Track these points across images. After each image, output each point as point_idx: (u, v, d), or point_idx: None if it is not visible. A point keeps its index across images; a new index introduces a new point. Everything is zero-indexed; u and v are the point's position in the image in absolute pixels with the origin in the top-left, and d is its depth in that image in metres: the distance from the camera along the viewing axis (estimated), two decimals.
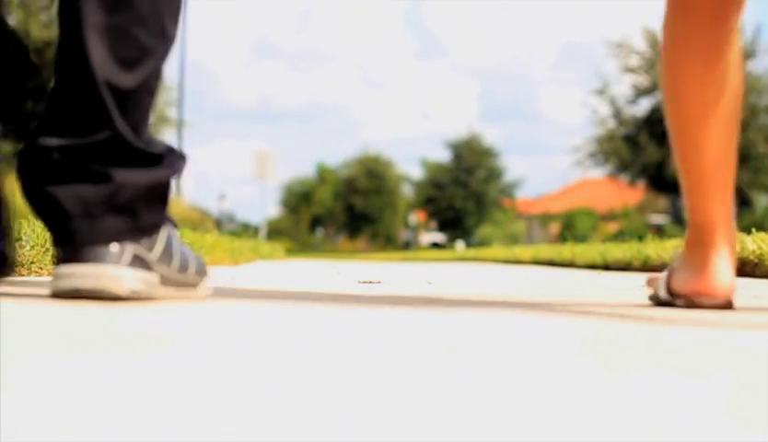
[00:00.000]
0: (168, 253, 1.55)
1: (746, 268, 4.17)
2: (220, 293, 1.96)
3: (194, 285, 1.65)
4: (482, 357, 0.94)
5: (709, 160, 1.79)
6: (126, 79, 1.48)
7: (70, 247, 1.46)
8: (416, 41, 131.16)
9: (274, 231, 41.38)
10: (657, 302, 1.87)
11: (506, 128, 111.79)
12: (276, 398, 0.67)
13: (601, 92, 32.19)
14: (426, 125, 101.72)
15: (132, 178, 1.50)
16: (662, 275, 1.88)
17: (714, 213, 1.78)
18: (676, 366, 0.90)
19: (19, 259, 2.57)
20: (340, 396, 0.68)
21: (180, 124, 27.00)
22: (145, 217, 1.51)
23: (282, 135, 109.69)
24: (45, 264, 2.68)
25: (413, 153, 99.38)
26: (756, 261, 4.12)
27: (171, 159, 1.57)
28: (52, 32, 25.66)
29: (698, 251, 1.78)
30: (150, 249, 1.51)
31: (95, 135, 1.47)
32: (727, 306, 1.74)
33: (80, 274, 1.45)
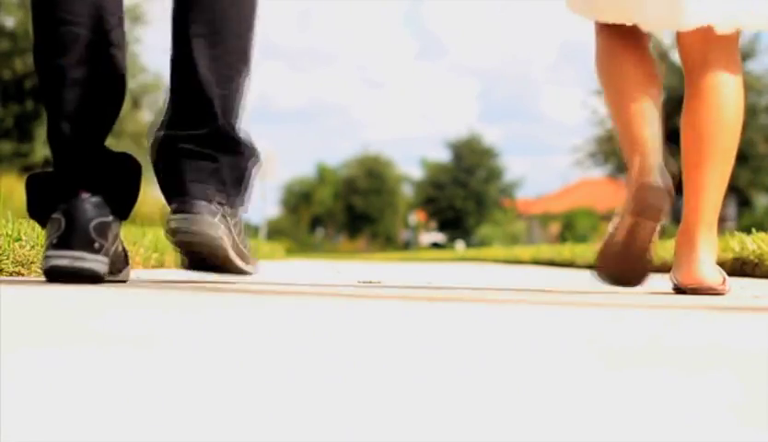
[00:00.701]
0: (238, 228, 2.16)
1: (746, 268, 4.17)
2: (220, 292, 1.96)
3: (248, 262, 2.23)
4: (483, 356, 0.94)
5: (643, 110, 2.25)
6: (223, 90, 2.11)
7: (183, 200, 2.07)
8: (416, 41, 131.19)
9: (274, 231, 41.35)
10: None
11: (505, 128, 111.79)
12: (274, 397, 0.67)
13: (601, 92, 32.16)
14: (426, 125, 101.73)
15: (227, 159, 2.12)
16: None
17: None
18: (676, 366, 0.90)
19: (19, 259, 2.57)
20: (340, 395, 0.68)
21: None
22: (231, 191, 2.13)
23: (282, 135, 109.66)
24: None
25: (413, 153, 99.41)
26: (756, 261, 4.11)
27: (253, 152, 2.20)
28: None
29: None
30: (231, 216, 2.12)
31: (202, 128, 2.10)
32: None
33: (191, 219, 2.05)
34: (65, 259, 2.00)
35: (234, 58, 2.12)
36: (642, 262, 2.22)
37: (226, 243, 2.08)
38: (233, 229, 2.11)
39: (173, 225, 2.05)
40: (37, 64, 2.14)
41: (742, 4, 2.15)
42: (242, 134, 2.16)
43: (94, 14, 2.10)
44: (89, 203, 2.04)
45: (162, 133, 2.13)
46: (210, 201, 2.06)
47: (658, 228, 2.20)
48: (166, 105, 2.18)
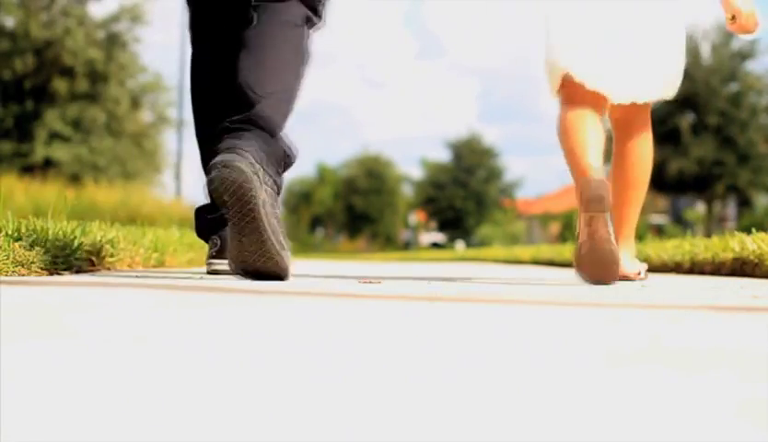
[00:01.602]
0: (276, 212, 2.61)
1: (746, 268, 4.17)
2: (220, 292, 1.96)
3: (286, 249, 2.63)
4: (483, 356, 0.94)
5: (585, 150, 2.94)
6: (260, 96, 2.66)
7: (224, 154, 2.51)
8: (416, 41, 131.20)
9: None
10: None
11: (505, 128, 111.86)
12: (274, 397, 0.67)
13: None
14: (426, 125, 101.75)
15: (261, 134, 2.60)
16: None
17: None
18: (676, 366, 0.90)
19: (19, 259, 2.57)
20: (340, 395, 0.68)
21: (179, 124, 27.01)
22: (267, 163, 2.56)
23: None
24: (45, 264, 2.68)
25: (413, 153, 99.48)
26: (756, 261, 4.11)
27: (290, 148, 2.75)
28: (52, 32, 25.65)
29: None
30: (268, 188, 2.56)
31: (242, 114, 2.62)
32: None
33: (228, 161, 2.49)
34: (223, 265, 2.92)
35: (274, 84, 2.68)
36: (606, 253, 2.74)
37: (257, 190, 2.48)
38: (269, 200, 2.54)
39: (212, 171, 2.48)
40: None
41: (654, 82, 3.08)
42: (285, 139, 2.72)
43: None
44: None
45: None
46: (246, 152, 2.49)
47: (610, 219, 2.77)
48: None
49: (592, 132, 2.98)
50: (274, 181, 2.60)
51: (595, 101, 3.07)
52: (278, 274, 2.57)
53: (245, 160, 2.47)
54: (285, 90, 2.71)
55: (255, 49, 2.73)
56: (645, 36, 3.06)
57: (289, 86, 2.72)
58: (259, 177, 2.50)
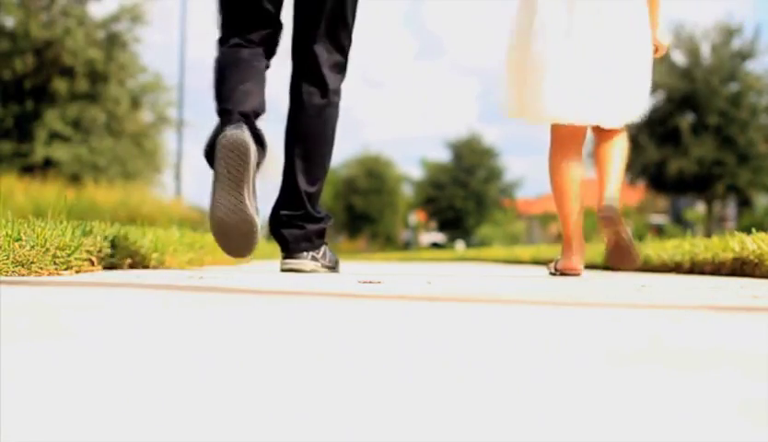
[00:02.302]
0: (324, 255, 3.76)
1: (746, 268, 4.17)
2: (220, 292, 1.96)
3: (335, 268, 3.83)
4: (483, 356, 0.94)
5: (572, 210, 4.07)
6: (311, 189, 3.73)
7: (288, 253, 3.70)
8: (416, 41, 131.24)
9: None
10: (551, 274, 4.06)
11: (505, 128, 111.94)
12: (274, 397, 0.67)
13: None
14: (426, 125, 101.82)
15: (312, 227, 3.72)
16: (554, 261, 4.16)
17: (572, 232, 4.05)
18: (676, 366, 0.90)
19: (19, 259, 2.57)
20: (340, 395, 0.68)
21: (179, 124, 27.02)
22: (316, 242, 3.74)
23: (282, 135, 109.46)
24: (45, 264, 2.68)
25: (413, 153, 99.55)
26: (756, 261, 4.11)
27: (327, 218, 3.82)
28: (52, 32, 25.65)
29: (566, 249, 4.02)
30: (318, 253, 3.74)
31: (299, 211, 3.72)
32: (579, 275, 3.94)
33: (291, 263, 3.69)
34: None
35: (317, 170, 3.75)
36: (632, 250, 3.94)
37: (316, 269, 3.71)
38: (321, 259, 3.74)
39: (283, 267, 3.69)
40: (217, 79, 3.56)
41: (615, 108, 3.87)
42: (322, 211, 3.78)
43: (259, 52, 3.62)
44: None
45: (275, 210, 3.75)
46: (303, 251, 3.69)
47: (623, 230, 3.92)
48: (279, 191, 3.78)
49: (574, 200, 4.07)
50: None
51: (573, 130, 3.98)
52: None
53: (305, 261, 3.63)
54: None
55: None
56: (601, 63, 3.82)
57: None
58: (315, 262, 3.65)
